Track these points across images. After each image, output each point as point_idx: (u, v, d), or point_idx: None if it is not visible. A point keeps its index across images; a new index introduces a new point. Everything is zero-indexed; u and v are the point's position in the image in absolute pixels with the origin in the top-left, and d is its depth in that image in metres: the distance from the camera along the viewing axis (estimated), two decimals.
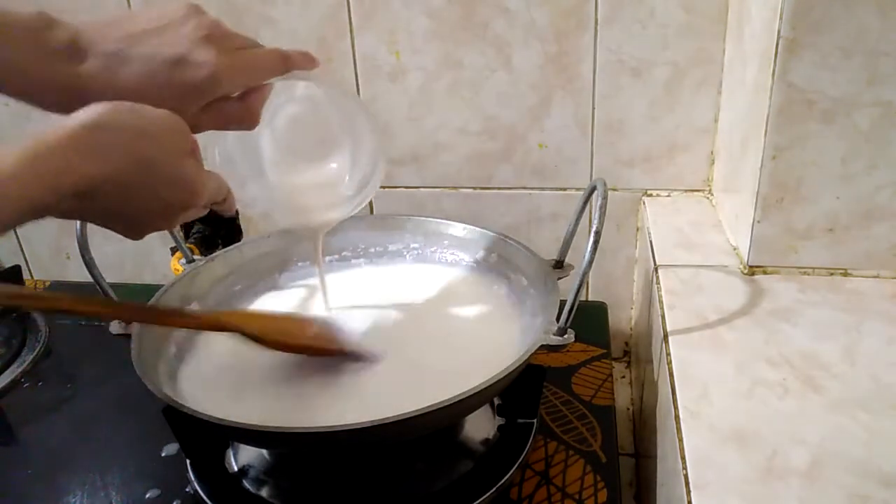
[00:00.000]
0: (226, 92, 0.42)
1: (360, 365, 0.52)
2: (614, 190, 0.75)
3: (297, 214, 0.54)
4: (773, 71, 0.50)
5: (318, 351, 0.52)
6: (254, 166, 0.52)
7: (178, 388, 0.51)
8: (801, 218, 0.54)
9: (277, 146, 0.52)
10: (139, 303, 0.53)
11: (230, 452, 0.54)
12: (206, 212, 0.43)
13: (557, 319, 0.47)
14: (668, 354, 0.49)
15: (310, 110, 0.52)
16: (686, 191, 0.74)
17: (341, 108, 0.53)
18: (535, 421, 0.54)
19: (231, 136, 0.49)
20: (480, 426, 0.55)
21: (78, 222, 0.52)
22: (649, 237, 0.67)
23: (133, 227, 0.40)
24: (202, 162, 0.41)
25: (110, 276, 0.54)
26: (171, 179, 0.38)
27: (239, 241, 0.77)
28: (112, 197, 0.36)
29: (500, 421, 0.55)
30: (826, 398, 0.43)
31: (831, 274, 0.56)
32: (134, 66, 0.40)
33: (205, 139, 0.43)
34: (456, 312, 0.59)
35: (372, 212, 0.82)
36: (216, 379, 0.53)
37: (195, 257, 0.62)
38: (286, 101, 0.51)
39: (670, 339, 0.50)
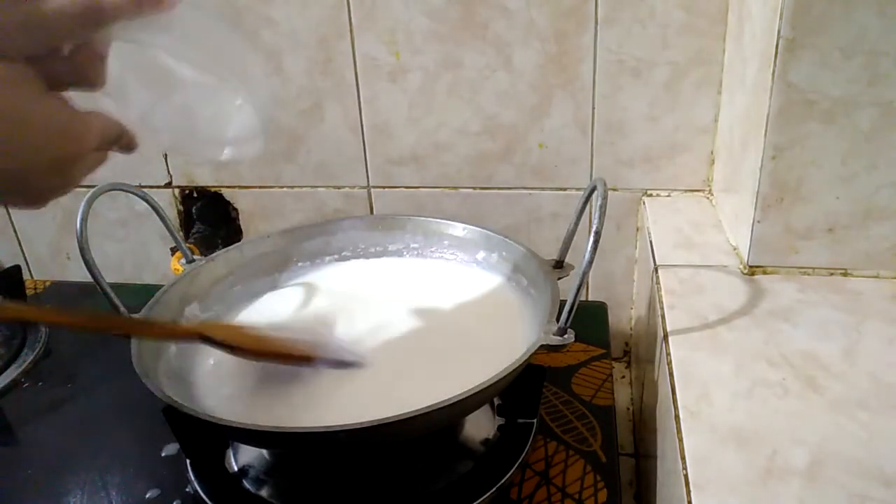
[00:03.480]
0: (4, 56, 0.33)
1: (346, 371, 0.51)
2: (614, 190, 0.75)
3: (208, 146, 0.48)
4: (773, 71, 0.50)
5: (293, 358, 0.51)
6: (160, 88, 0.45)
7: (179, 387, 0.51)
8: (801, 218, 0.54)
9: (185, 65, 0.44)
10: (103, 313, 0.52)
11: (230, 452, 0.54)
12: (105, 159, 0.39)
13: (557, 319, 0.47)
14: (668, 354, 0.49)
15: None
16: (686, 191, 0.74)
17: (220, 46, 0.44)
18: (535, 421, 0.54)
19: (118, 60, 0.40)
20: (480, 426, 0.55)
21: (78, 222, 0.52)
22: (649, 237, 0.67)
23: (27, 196, 0.36)
24: (71, 101, 0.37)
25: (110, 276, 0.54)
26: (37, 128, 0.34)
27: (239, 241, 0.77)
28: None
29: (500, 421, 0.55)
30: (826, 398, 0.43)
31: (831, 274, 0.56)
32: None
33: None
34: (455, 313, 0.59)
35: (372, 212, 0.82)
36: (216, 379, 0.53)
37: (195, 257, 0.62)
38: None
39: (670, 339, 0.50)
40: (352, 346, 0.53)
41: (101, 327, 0.49)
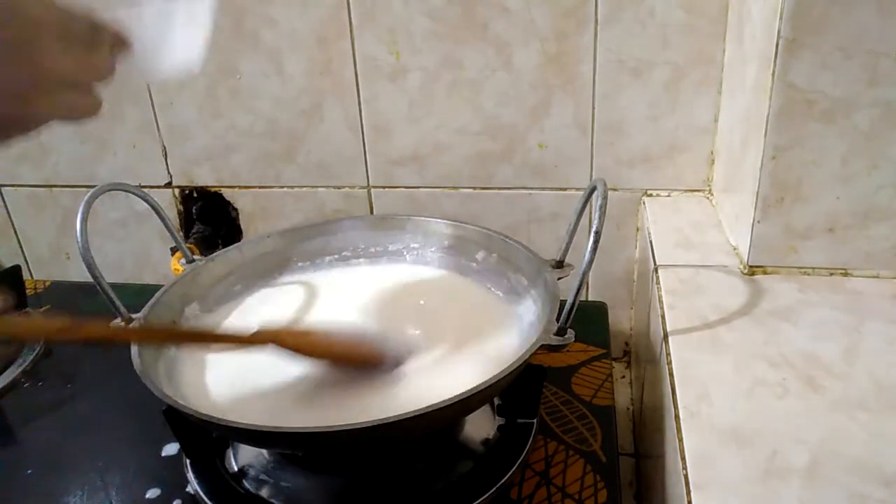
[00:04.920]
0: None
1: (346, 371, 0.51)
2: (614, 190, 0.75)
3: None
4: (773, 71, 0.50)
5: (353, 360, 0.52)
6: None
7: (179, 387, 0.51)
8: (801, 218, 0.54)
9: None
10: (167, 326, 0.53)
11: (230, 452, 0.54)
12: (100, 76, 0.33)
13: (557, 319, 0.47)
14: (668, 354, 0.49)
15: None
16: (686, 191, 0.74)
17: None
18: (535, 421, 0.54)
19: None
20: (480, 426, 0.55)
21: (78, 222, 0.52)
22: (649, 237, 0.67)
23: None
24: None
25: (110, 276, 0.53)
26: None
27: (239, 241, 0.77)
28: None
29: (500, 421, 0.55)
30: (826, 398, 0.43)
31: (831, 274, 0.56)
32: None
33: None
34: (455, 312, 0.59)
35: (372, 212, 0.82)
36: (216, 378, 0.53)
37: (195, 257, 0.62)
38: None
39: (670, 339, 0.50)
40: (404, 340, 0.54)
41: (176, 340, 0.50)
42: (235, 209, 0.86)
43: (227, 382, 0.53)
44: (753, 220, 0.55)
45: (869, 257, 0.55)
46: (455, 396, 0.41)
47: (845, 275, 0.55)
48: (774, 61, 0.50)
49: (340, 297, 0.62)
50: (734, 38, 0.64)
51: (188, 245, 0.64)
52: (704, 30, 0.66)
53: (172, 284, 0.57)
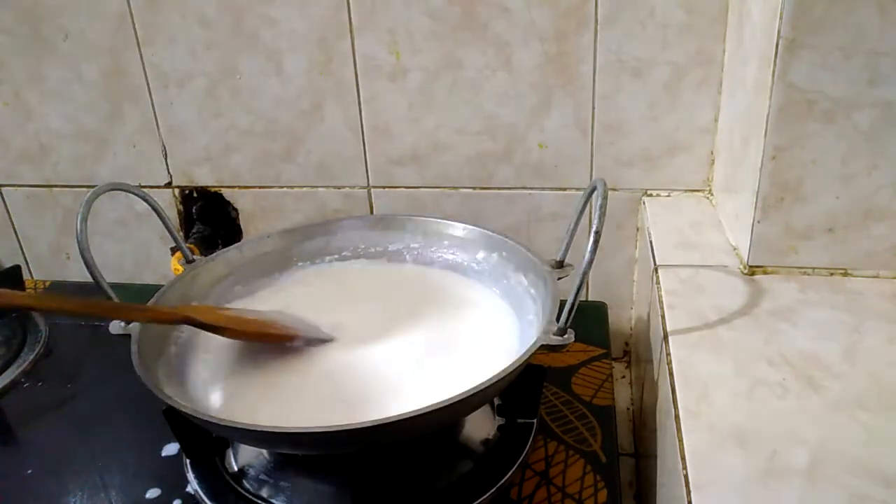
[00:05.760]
0: None
1: (346, 371, 0.52)
2: (614, 190, 0.75)
3: None
4: (773, 71, 0.50)
5: (271, 337, 0.54)
6: None
7: (179, 387, 0.51)
8: (801, 218, 0.54)
9: None
10: (88, 298, 0.52)
11: (230, 452, 0.54)
12: None
13: (557, 319, 0.47)
14: (668, 354, 0.49)
15: None
16: (686, 191, 0.74)
17: None
18: (535, 421, 0.54)
19: None
20: (480, 426, 0.55)
21: (78, 222, 0.52)
22: (649, 237, 0.67)
23: None
24: None
25: (110, 276, 0.54)
26: None
27: (239, 241, 0.77)
28: None
29: (500, 421, 0.55)
30: (826, 398, 0.43)
31: (831, 274, 0.56)
32: None
33: None
34: (455, 313, 0.59)
35: (372, 212, 0.82)
36: (216, 378, 0.53)
37: (195, 257, 0.62)
38: None
39: (670, 339, 0.50)
40: (319, 326, 0.56)
41: (87, 311, 0.51)
42: (235, 209, 0.86)
43: (227, 382, 0.53)
44: (753, 220, 0.55)
45: (869, 257, 0.55)
46: (455, 396, 0.41)
47: (845, 275, 0.55)
48: (774, 61, 0.50)
49: (340, 297, 0.62)
50: (734, 38, 0.64)
51: (188, 245, 0.64)
52: (704, 30, 0.66)
53: (172, 284, 0.57)
